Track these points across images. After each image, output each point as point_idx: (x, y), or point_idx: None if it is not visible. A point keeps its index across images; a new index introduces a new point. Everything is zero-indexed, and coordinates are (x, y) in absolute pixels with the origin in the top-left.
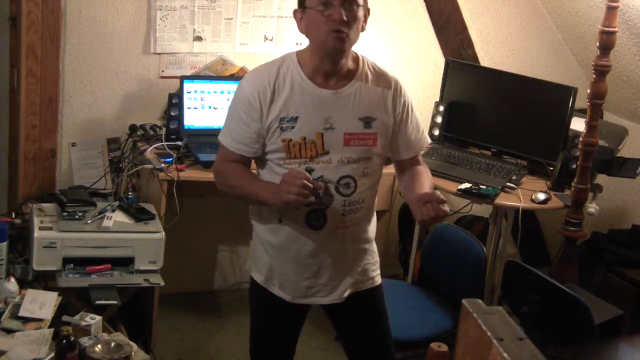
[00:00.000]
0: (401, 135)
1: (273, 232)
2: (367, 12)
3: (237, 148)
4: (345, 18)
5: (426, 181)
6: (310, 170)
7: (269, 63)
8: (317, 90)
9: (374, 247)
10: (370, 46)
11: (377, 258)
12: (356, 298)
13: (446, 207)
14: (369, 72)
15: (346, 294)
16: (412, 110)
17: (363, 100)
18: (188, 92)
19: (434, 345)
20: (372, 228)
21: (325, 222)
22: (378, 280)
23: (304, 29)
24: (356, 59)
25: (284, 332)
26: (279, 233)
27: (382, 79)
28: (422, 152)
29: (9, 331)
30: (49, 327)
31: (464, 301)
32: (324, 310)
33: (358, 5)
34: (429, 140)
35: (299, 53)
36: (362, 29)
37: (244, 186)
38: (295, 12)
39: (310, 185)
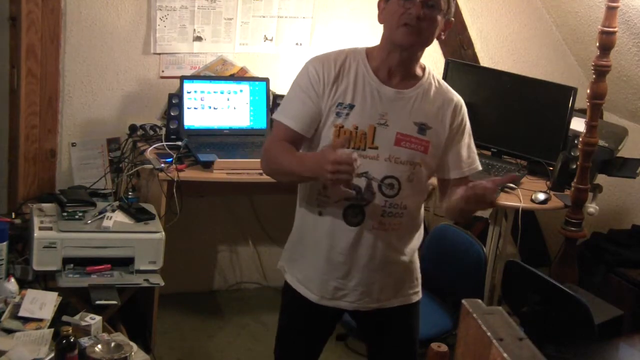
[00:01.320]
0: (452, 153)
1: (311, 224)
2: (449, 23)
3: (292, 123)
4: (421, 15)
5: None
6: None
7: (337, 50)
8: (379, 85)
9: (413, 263)
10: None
11: (416, 275)
12: (387, 313)
13: (491, 193)
14: (433, 83)
15: (374, 306)
16: (467, 133)
17: (422, 106)
18: (188, 92)
19: (434, 345)
20: (414, 242)
21: (362, 219)
22: (414, 298)
23: (382, 18)
24: (423, 68)
25: (309, 337)
26: (316, 226)
27: (445, 93)
28: (469, 175)
29: (9, 331)
30: (49, 327)
31: (464, 301)
32: (353, 318)
33: (439, 10)
34: (480, 167)
35: (368, 48)
36: (439, 37)
37: (287, 158)
38: (379, 1)
39: (350, 167)
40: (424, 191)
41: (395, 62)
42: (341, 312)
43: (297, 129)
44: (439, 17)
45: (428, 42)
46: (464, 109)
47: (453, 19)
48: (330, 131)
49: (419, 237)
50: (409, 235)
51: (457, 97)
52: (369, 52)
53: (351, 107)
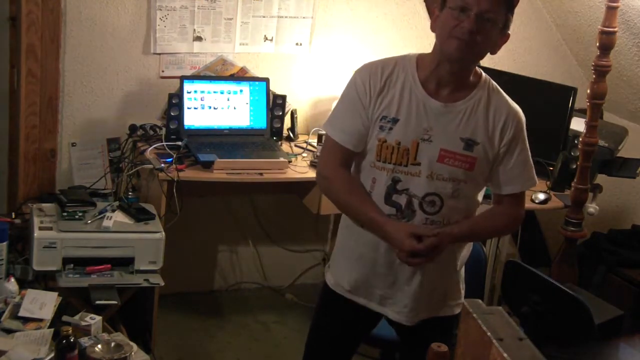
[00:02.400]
0: (502, 168)
1: (355, 234)
2: (505, 37)
3: (344, 140)
4: (474, 29)
5: (474, 224)
6: (397, 181)
7: (387, 58)
8: (426, 98)
9: (458, 276)
10: (370, 46)
11: (459, 288)
12: (426, 324)
13: (412, 260)
14: (486, 94)
15: (416, 320)
16: (521, 147)
17: (472, 120)
18: (188, 92)
19: (434, 345)
20: (460, 256)
21: None
22: (456, 310)
23: (435, 27)
24: (478, 77)
25: (345, 333)
26: (359, 239)
27: (498, 105)
28: (522, 190)
29: (9, 331)
30: (49, 327)
31: (464, 301)
32: (392, 326)
33: (495, 24)
34: (535, 183)
35: (420, 55)
36: (493, 52)
37: (364, 213)
38: (434, 9)
39: (421, 248)
40: (473, 205)
41: (445, 73)
42: (380, 316)
43: (348, 146)
44: (494, 32)
45: (481, 56)
46: (518, 122)
47: (509, 32)
48: (374, 144)
49: (466, 250)
50: (455, 250)
51: (510, 110)
52: (419, 60)
53: (395, 121)
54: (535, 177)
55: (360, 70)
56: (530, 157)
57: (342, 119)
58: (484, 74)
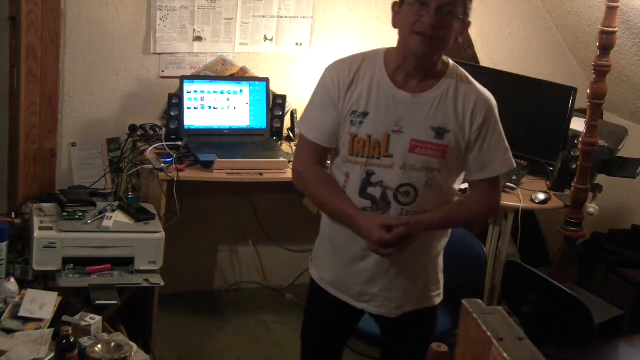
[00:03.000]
0: (474, 154)
1: (335, 230)
2: (466, 25)
3: (316, 137)
4: (436, 24)
5: (447, 212)
6: (370, 174)
7: (356, 54)
8: (394, 90)
9: (437, 265)
10: (370, 46)
11: (438, 278)
12: (409, 316)
13: (383, 250)
14: (454, 82)
15: (398, 313)
16: (492, 132)
17: (441, 109)
18: (188, 92)
19: (434, 345)
20: (438, 245)
21: None
22: (436, 300)
23: (396, 23)
24: (446, 65)
25: (334, 330)
26: (340, 233)
27: (466, 92)
28: (496, 174)
29: (9, 331)
30: (49, 327)
31: (464, 301)
32: (375, 320)
33: (455, 16)
34: (512, 166)
35: (388, 49)
36: (455, 41)
37: (337, 207)
38: (393, 5)
39: (389, 238)
40: (449, 193)
41: (411, 67)
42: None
43: (321, 143)
44: (456, 24)
45: (444, 47)
46: (488, 108)
47: (470, 20)
48: (346, 139)
49: (444, 239)
50: (431, 239)
51: (479, 96)
52: (387, 54)
53: (365, 114)
54: (512, 160)
55: (329, 67)
56: (505, 140)
57: (313, 117)
58: (451, 61)
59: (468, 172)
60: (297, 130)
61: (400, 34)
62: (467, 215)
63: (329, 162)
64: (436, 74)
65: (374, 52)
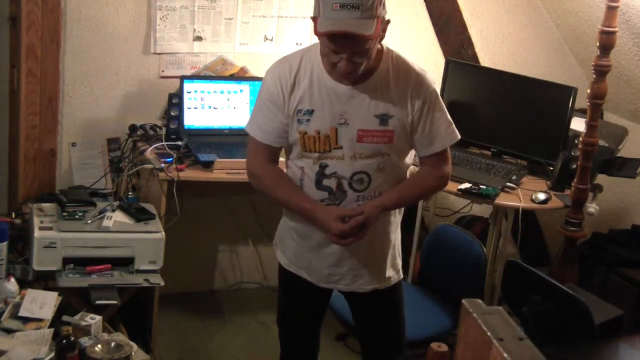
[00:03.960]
0: (419, 133)
1: (297, 220)
2: (385, 25)
3: (265, 139)
4: (351, 68)
5: (401, 190)
6: (324, 166)
7: (294, 53)
8: (334, 84)
9: (394, 241)
10: None
11: (397, 254)
12: (377, 294)
13: (342, 241)
14: (390, 68)
15: (369, 288)
16: (433, 107)
17: (381, 97)
18: (188, 92)
19: (434, 345)
20: (394, 219)
21: None
22: (396, 278)
23: (317, 38)
24: (380, 52)
25: (309, 312)
26: (302, 221)
27: (403, 74)
28: (443, 148)
29: (9, 331)
30: (49, 327)
31: (464, 301)
32: (345, 298)
33: (366, 49)
34: (456, 137)
35: None
36: (381, 39)
37: (293, 202)
38: (312, 17)
39: (346, 228)
40: (401, 172)
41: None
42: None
43: (271, 144)
44: (369, 46)
45: (369, 64)
46: (426, 87)
47: (388, 18)
48: (297, 137)
49: (397, 212)
50: (388, 216)
51: (417, 74)
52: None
53: (310, 112)
54: (456, 132)
55: (270, 70)
56: (446, 114)
57: (260, 119)
58: (385, 47)
59: (416, 149)
60: (247, 131)
61: (321, 52)
62: (421, 190)
63: (282, 158)
64: (372, 64)
65: (311, 49)
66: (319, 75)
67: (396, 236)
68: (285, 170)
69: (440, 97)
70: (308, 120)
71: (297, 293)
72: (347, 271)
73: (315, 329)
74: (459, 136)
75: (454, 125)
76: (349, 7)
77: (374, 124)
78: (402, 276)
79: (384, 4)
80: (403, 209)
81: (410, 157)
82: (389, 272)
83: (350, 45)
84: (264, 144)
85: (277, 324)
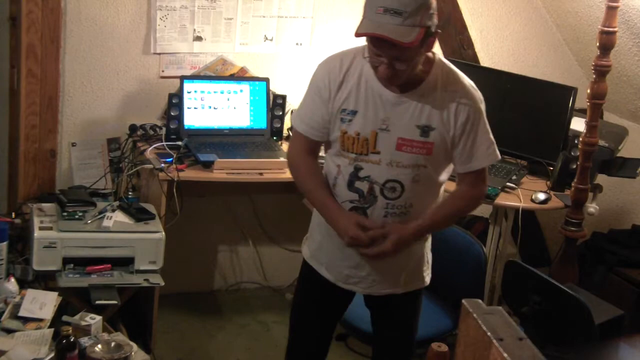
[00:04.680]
0: (460, 149)
1: None
2: (433, 39)
3: (305, 130)
4: (391, 73)
5: (435, 213)
6: (359, 169)
7: (348, 50)
8: (381, 89)
9: (424, 249)
10: None
11: (427, 260)
12: (394, 299)
13: (365, 251)
14: (439, 79)
15: (385, 292)
16: (477, 125)
17: (425, 108)
18: (188, 92)
19: (434, 345)
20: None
21: None
22: (425, 281)
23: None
24: (430, 62)
25: (322, 311)
26: None
27: (451, 87)
28: (481, 167)
29: (9, 331)
30: (49, 327)
31: (464, 301)
32: (366, 302)
33: (409, 56)
34: (496, 158)
35: None
36: (427, 51)
37: (320, 199)
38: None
39: (363, 237)
40: (436, 185)
41: None
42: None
43: (311, 137)
44: (414, 54)
45: (412, 73)
46: (473, 103)
47: (439, 30)
48: (338, 135)
49: None
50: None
51: (465, 92)
52: None
53: (354, 113)
54: (496, 153)
55: (322, 64)
56: (490, 134)
57: (304, 111)
58: (437, 57)
59: (454, 164)
60: (291, 122)
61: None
62: (456, 212)
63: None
64: (420, 73)
65: (365, 49)
66: (368, 77)
67: (424, 246)
68: (323, 165)
69: (485, 115)
70: (350, 120)
71: (313, 289)
72: (366, 275)
73: (327, 330)
74: (499, 157)
75: (495, 146)
76: (392, 12)
77: (414, 134)
78: (425, 284)
79: (432, 15)
80: None
81: (447, 173)
82: (410, 280)
83: (389, 51)
84: (304, 135)
85: (290, 319)
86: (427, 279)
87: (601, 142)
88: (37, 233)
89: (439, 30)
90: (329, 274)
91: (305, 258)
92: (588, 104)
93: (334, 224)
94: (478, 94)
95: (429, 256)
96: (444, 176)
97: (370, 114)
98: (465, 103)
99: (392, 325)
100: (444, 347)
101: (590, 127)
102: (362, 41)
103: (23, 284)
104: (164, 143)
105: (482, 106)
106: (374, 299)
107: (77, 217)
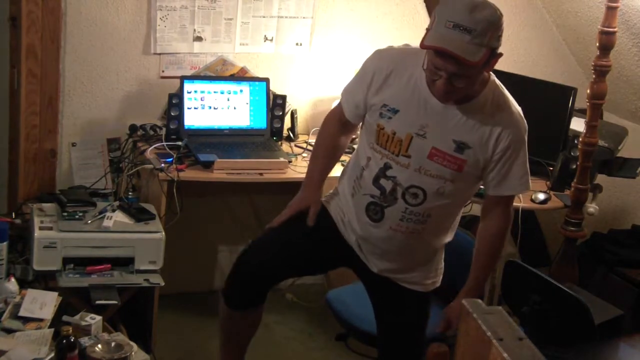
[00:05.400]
0: (493, 173)
1: (347, 191)
2: (496, 59)
3: (343, 104)
4: (449, 89)
5: (480, 265)
6: (387, 167)
7: (406, 48)
8: (428, 95)
9: (436, 255)
10: (371, 46)
11: (437, 266)
12: (402, 292)
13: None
14: (489, 101)
15: (383, 272)
16: (516, 154)
17: (467, 125)
18: (188, 92)
19: (434, 345)
20: (437, 243)
21: (382, 218)
22: (430, 287)
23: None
24: (485, 82)
25: (311, 238)
26: (349, 199)
27: (499, 111)
28: (511, 194)
29: (9, 331)
30: (49, 327)
31: (464, 301)
32: (362, 281)
33: (469, 75)
34: (528, 188)
35: None
36: (487, 71)
37: (316, 162)
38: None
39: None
40: (459, 203)
41: None
42: (352, 255)
43: (349, 118)
44: (474, 73)
45: (469, 90)
46: (517, 132)
47: (501, 52)
48: (374, 127)
49: (445, 238)
50: (430, 238)
51: (511, 120)
52: None
53: (395, 111)
54: (529, 183)
55: (375, 53)
56: (527, 164)
57: (349, 90)
58: (492, 78)
59: (484, 184)
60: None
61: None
62: (494, 252)
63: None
64: (472, 91)
65: (422, 52)
66: (418, 80)
67: (437, 252)
68: (355, 148)
69: (526, 145)
70: (390, 118)
71: (320, 220)
72: (372, 249)
73: (295, 258)
74: (530, 187)
75: (529, 176)
76: (461, 28)
77: (449, 148)
78: (427, 289)
79: (499, 36)
80: (454, 229)
81: (472, 194)
82: (410, 278)
83: (452, 67)
84: (343, 114)
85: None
86: (431, 286)
87: (601, 142)
88: (37, 233)
89: (502, 53)
90: (341, 223)
91: (324, 205)
92: (588, 104)
93: (302, 189)
94: (524, 124)
95: (439, 265)
96: (467, 197)
97: (411, 117)
98: (509, 129)
99: (396, 310)
100: (444, 347)
101: (590, 127)
102: (368, 47)
103: (23, 284)
104: (164, 143)
105: (525, 136)
106: (373, 279)
107: (77, 217)
